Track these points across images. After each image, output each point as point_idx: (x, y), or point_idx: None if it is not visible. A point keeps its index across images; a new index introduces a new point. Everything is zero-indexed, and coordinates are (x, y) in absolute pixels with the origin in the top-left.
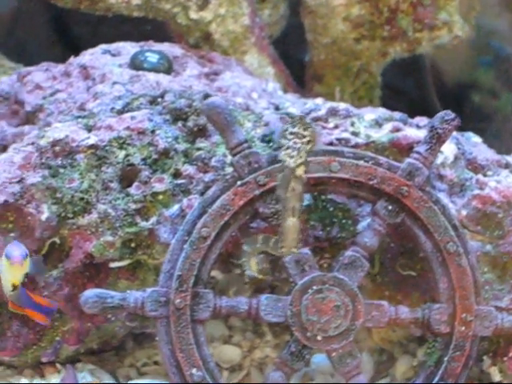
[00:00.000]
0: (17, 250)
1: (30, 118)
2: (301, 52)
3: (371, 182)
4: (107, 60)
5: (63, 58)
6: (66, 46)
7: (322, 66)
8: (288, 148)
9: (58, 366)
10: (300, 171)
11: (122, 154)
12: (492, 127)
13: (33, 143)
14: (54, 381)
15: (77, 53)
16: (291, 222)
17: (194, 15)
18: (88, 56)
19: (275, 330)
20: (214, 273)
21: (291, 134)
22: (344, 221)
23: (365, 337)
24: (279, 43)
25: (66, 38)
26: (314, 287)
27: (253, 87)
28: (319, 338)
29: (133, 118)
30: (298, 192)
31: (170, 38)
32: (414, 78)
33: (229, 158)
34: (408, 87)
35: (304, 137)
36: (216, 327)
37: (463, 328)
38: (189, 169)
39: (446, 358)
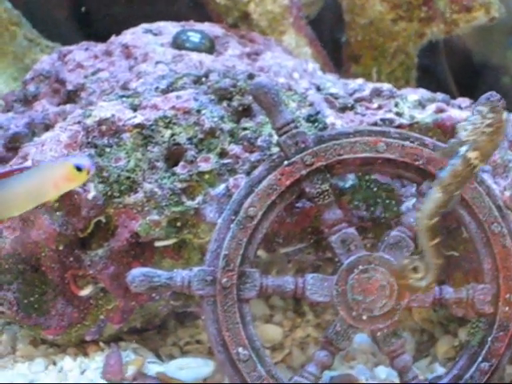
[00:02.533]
0: (85, 159)
1: (72, 97)
2: (337, 32)
3: (417, 163)
4: (149, 39)
5: (96, 37)
6: (98, 27)
7: (359, 47)
8: (468, 121)
9: (101, 344)
10: (471, 154)
11: (167, 133)
12: None
13: (79, 122)
14: (97, 359)
15: (109, 32)
16: (437, 196)
17: None
18: (129, 35)
19: (316, 310)
20: (258, 252)
21: (478, 111)
22: (388, 201)
23: (406, 317)
24: (316, 23)
25: (98, 17)
26: (360, 267)
27: (294, 67)
28: (364, 317)
29: (178, 97)
30: (460, 174)
31: (201, 19)
32: (429, 59)
33: (274, 138)
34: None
35: (486, 118)
36: (257, 306)
37: (507, 308)
38: (235, 148)
39: (489, 338)
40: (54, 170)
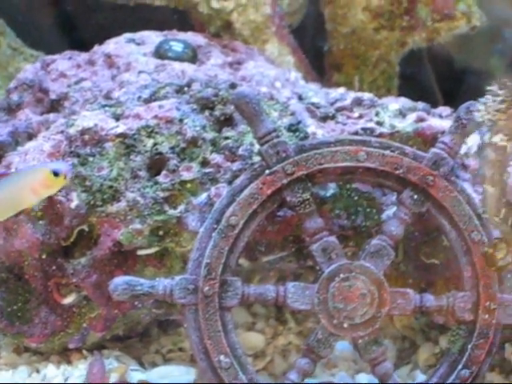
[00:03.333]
0: (63, 164)
1: (55, 106)
2: (320, 41)
3: (397, 172)
4: (132, 49)
5: (80, 46)
6: (82, 35)
7: (341, 56)
8: (480, 102)
9: (84, 352)
10: (496, 138)
11: (150, 142)
12: None
13: (62, 131)
14: (81, 367)
15: (94, 40)
16: (488, 192)
17: (215, 4)
18: (112, 45)
19: (298, 318)
20: (240, 260)
21: (488, 91)
22: (368, 210)
23: (387, 324)
24: (299, 32)
25: (82, 26)
26: (341, 275)
27: (276, 76)
28: (345, 325)
29: (161, 106)
30: (490, 159)
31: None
32: (413, 66)
33: (256, 147)
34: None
35: (498, 95)
36: (240, 314)
37: (487, 316)
38: (216, 157)
39: (469, 346)
40: (31, 176)
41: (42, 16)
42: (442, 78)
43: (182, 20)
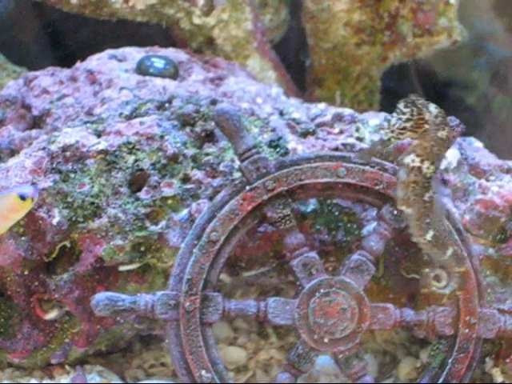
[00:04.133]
0: (28, 187)
1: (38, 123)
2: (301, 56)
3: (377, 187)
4: (114, 65)
5: (64, 62)
6: (65, 50)
7: (322, 71)
8: (385, 120)
9: (66, 367)
10: (407, 159)
11: (131, 159)
12: (486, 130)
13: (44, 148)
14: (63, 382)
15: (75, 56)
16: (409, 212)
17: (197, 20)
18: (95, 61)
19: (279, 332)
20: (221, 276)
21: (396, 108)
22: (349, 225)
23: (368, 338)
24: (280, 48)
25: (65, 41)
26: (322, 290)
27: (257, 92)
28: (326, 340)
29: (142, 123)
30: (403, 181)
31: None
32: (400, 80)
33: (237, 164)
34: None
35: (403, 113)
36: (221, 329)
37: (467, 330)
38: (197, 174)
39: (450, 360)
40: None
41: (24, 31)
42: (426, 92)
43: (165, 36)
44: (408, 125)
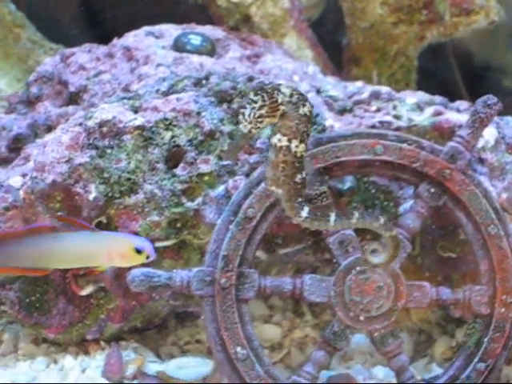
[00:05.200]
0: (147, 243)
1: (74, 99)
2: (338, 35)
3: (414, 165)
4: (150, 42)
5: (100, 40)
6: (101, 28)
7: (359, 50)
8: (239, 114)
9: (102, 343)
10: (274, 139)
11: (168, 135)
12: None
13: (80, 124)
14: (98, 358)
15: (112, 34)
16: (278, 192)
17: None
18: (131, 38)
19: (314, 310)
20: (257, 253)
21: (248, 99)
22: (386, 203)
23: (403, 317)
24: (317, 26)
25: (102, 19)
26: (358, 268)
27: (294, 70)
28: (362, 318)
29: (179, 99)
30: (272, 161)
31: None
32: (437, 60)
33: None
34: (432, 70)
35: (255, 102)
36: (257, 307)
37: (503, 309)
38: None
39: (485, 339)
40: (114, 243)
41: (61, 9)
42: (464, 73)
43: (202, 14)
44: (263, 112)
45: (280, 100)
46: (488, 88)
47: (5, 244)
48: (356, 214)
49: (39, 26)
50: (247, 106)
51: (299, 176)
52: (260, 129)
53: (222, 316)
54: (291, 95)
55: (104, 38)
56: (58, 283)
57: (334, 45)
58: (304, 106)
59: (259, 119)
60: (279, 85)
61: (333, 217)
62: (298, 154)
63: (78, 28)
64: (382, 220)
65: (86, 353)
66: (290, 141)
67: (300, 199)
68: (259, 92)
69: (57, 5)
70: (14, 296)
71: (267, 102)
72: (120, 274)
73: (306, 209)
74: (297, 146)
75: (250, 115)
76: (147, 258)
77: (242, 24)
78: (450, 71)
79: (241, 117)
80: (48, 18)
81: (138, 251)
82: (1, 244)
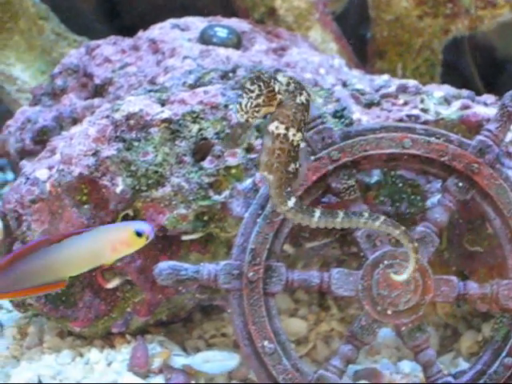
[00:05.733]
0: (146, 225)
1: (99, 91)
2: (362, 28)
3: (442, 159)
4: (176, 34)
5: (122, 32)
6: (124, 20)
7: (384, 43)
8: (235, 103)
9: (127, 336)
10: (271, 126)
11: (195, 128)
12: None
13: (107, 116)
14: (124, 351)
15: (134, 26)
16: (269, 178)
17: None
18: (157, 30)
19: (340, 304)
20: (284, 246)
21: (243, 89)
22: (413, 197)
23: (429, 312)
24: (341, 19)
25: (124, 11)
26: (385, 262)
27: (320, 63)
28: (389, 312)
29: (206, 92)
30: (268, 147)
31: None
32: (453, 55)
33: None
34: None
35: (252, 91)
36: (282, 300)
37: None
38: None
39: None
40: (113, 234)
41: (85, 1)
42: (483, 67)
43: (226, 7)
44: (260, 101)
45: (277, 89)
46: (509, 81)
47: (10, 268)
48: (341, 214)
49: (62, 17)
50: (244, 95)
51: (293, 165)
52: (257, 118)
53: (250, 310)
54: (288, 84)
55: (126, 30)
56: (84, 276)
57: (357, 38)
58: (301, 94)
59: (256, 108)
60: (276, 73)
61: (317, 213)
62: (295, 143)
63: (100, 20)
64: (366, 215)
65: (112, 346)
66: (287, 129)
67: (289, 189)
68: (256, 81)
69: None
70: None
71: (264, 91)
72: (147, 267)
73: (293, 199)
74: (294, 135)
75: (246, 105)
76: (147, 239)
77: (266, 17)
78: (465, 65)
79: (238, 106)
80: (71, 10)
81: (139, 234)
82: (7, 269)
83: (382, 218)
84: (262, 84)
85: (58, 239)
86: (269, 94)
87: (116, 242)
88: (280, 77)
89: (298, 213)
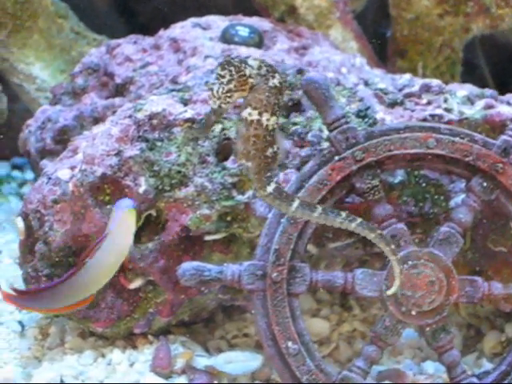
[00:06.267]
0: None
1: (120, 91)
2: (382, 27)
3: (467, 159)
4: (198, 33)
5: (139, 31)
6: (142, 19)
7: (404, 42)
8: (209, 89)
9: (150, 337)
10: (244, 113)
11: (218, 127)
12: None
13: (130, 116)
14: (146, 352)
15: (152, 26)
16: (248, 165)
17: None
18: (178, 29)
19: (362, 304)
20: (308, 247)
21: (216, 75)
22: (436, 196)
23: (452, 312)
24: (361, 18)
25: (142, 10)
26: (410, 262)
27: (342, 62)
28: (413, 312)
29: None
30: (243, 134)
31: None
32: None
33: (324, 133)
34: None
35: (223, 77)
36: (304, 301)
37: None
38: (285, 143)
39: None
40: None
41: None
42: (496, 66)
43: (246, 5)
44: (232, 86)
45: (248, 73)
46: None
47: (45, 292)
48: (319, 209)
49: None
50: (216, 81)
51: (270, 150)
52: (230, 103)
53: (273, 310)
54: (259, 67)
55: (143, 29)
56: None
57: (377, 37)
58: (273, 77)
59: (228, 94)
60: (247, 58)
61: (296, 203)
62: (270, 127)
63: (119, 18)
64: (343, 215)
65: (134, 347)
66: (260, 114)
67: (269, 174)
68: (226, 66)
69: None
70: None
71: (235, 76)
72: (169, 267)
73: (273, 185)
74: (268, 120)
75: (218, 90)
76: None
77: (287, 15)
78: (477, 63)
79: (210, 93)
80: (89, 9)
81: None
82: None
83: (359, 220)
84: (232, 69)
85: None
86: (240, 79)
87: (128, 224)
88: (251, 61)
89: (276, 199)
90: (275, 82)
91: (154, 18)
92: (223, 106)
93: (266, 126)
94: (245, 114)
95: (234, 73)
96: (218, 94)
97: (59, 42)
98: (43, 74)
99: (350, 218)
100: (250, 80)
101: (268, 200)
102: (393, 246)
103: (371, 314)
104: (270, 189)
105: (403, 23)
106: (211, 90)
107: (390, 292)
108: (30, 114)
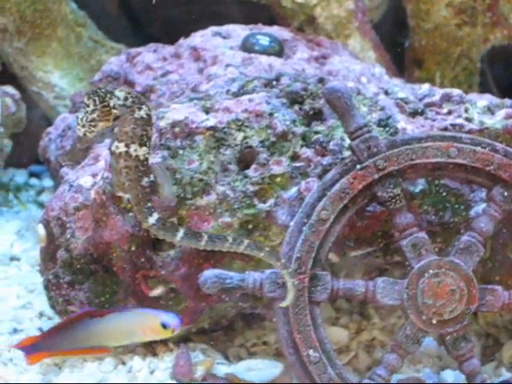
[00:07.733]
0: (173, 317)
1: None
2: (400, 37)
3: (488, 168)
4: (218, 42)
5: (160, 40)
6: (162, 28)
7: (422, 52)
8: (76, 117)
9: (170, 344)
10: (113, 147)
11: (240, 136)
12: None
13: None
14: (166, 359)
15: (172, 34)
16: (126, 196)
17: None
18: (198, 38)
19: (381, 313)
20: (329, 255)
21: (82, 103)
22: (457, 206)
23: (470, 321)
24: (379, 28)
25: (162, 19)
26: (431, 271)
27: (361, 71)
28: (434, 321)
29: (250, 100)
30: (115, 168)
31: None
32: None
33: (346, 142)
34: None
35: (88, 106)
36: (323, 309)
37: None
38: (307, 152)
39: None
40: (144, 319)
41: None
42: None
43: (264, 14)
44: (95, 116)
45: (112, 104)
46: None
47: (57, 334)
48: (205, 237)
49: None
50: (82, 109)
51: (146, 179)
52: (95, 132)
53: (295, 318)
54: (126, 98)
55: (159, 38)
56: (127, 284)
57: (395, 47)
58: (140, 109)
59: (92, 123)
60: (115, 88)
61: (181, 233)
62: (141, 158)
63: (137, 27)
64: (230, 240)
65: (154, 354)
66: (127, 146)
67: (149, 204)
68: (92, 96)
69: (114, 4)
70: (83, 296)
71: (98, 106)
72: (191, 275)
73: (155, 216)
74: (136, 150)
75: (83, 119)
76: (173, 332)
77: (306, 25)
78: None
79: (77, 120)
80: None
81: (165, 327)
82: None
83: (246, 242)
84: (96, 98)
85: (99, 314)
86: (103, 109)
87: (146, 327)
88: (117, 92)
89: (160, 229)
90: (141, 113)
91: (171, 27)
92: (88, 134)
93: (136, 156)
94: (113, 147)
95: (97, 103)
96: (83, 122)
97: (78, 51)
98: (62, 82)
99: (238, 241)
100: (114, 111)
101: (153, 231)
102: (283, 260)
103: (390, 322)
104: (152, 220)
105: (421, 33)
106: (77, 117)
107: (283, 304)
108: (47, 122)
